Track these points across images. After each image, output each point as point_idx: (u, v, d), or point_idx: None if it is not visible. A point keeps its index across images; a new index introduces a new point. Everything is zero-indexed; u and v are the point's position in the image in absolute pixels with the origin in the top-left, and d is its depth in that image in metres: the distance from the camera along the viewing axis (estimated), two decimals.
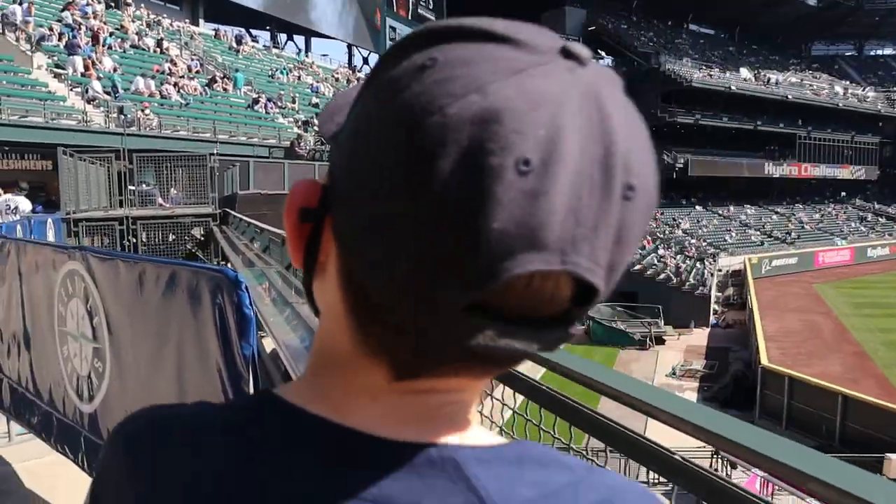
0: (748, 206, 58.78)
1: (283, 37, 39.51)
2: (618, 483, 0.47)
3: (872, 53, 77.20)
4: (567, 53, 0.40)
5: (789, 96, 60.92)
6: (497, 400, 1.84)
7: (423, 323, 0.42)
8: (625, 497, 0.46)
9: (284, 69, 30.70)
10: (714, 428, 1.13)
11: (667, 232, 47.23)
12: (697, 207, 57.46)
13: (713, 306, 31.70)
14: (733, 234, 50.40)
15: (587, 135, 0.38)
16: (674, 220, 51.98)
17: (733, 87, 59.48)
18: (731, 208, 57.76)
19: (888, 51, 75.92)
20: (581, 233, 0.37)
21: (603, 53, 64.81)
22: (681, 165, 55.55)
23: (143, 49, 22.91)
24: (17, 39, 18.28)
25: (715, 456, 10.49)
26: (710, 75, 59.66)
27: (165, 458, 0.48)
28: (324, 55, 40.77)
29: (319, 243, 0.46)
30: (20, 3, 19.11)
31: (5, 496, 4.13)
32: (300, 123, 24.59)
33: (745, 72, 64.95)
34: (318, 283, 0.49)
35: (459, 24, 0.41)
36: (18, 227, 9.53)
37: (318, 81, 32.57)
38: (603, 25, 65.49)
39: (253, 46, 32.38)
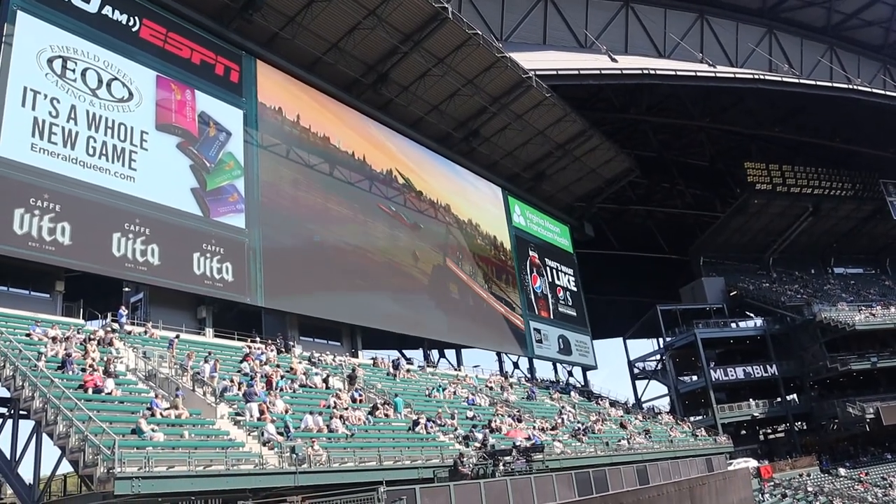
0: None
1: (435, 353, 41.47)
2: None
3: None
4: None
5: None
6: None
7: None
8: None
9: (440, 386, 31.69)
10: None
11: (879, 496, 41.27)
12: None
13: None
14: None
15: None
16: (883, 478, 45.74)
17: None
18: None
19: None
20: None
21: (752, 315, 63.57)
22: (871, 416, 50.82)
23: (311, 387, 24.57)
24: (204, 394, 20.16)
25: None
26: (873, 314, 56.51)
27: None
28: (475, 366, 41.94)
29: None
30: (207, 361, 21.42)
31: None
32: (461, 439, 24.62)
33: None
34: None
35: None
36: None
37: (472, 394, 33.21)
38: (744, 288, 65.36)
39: (408, 370, 33.97)
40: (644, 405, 59.48)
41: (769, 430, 64.24)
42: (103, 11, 26.05)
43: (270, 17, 31.41)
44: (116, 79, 25.66)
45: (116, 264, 23.58)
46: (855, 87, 53.21)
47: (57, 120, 23.10)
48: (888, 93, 54.33)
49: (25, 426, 17.58)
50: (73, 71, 24.22)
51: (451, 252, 42.10)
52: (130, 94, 25.98)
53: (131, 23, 27.00)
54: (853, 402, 52.36)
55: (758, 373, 57.53)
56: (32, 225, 21.51)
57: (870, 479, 45.78)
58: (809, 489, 43.88)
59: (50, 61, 23.60)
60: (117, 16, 26.51)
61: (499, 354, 45.09)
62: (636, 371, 65.08)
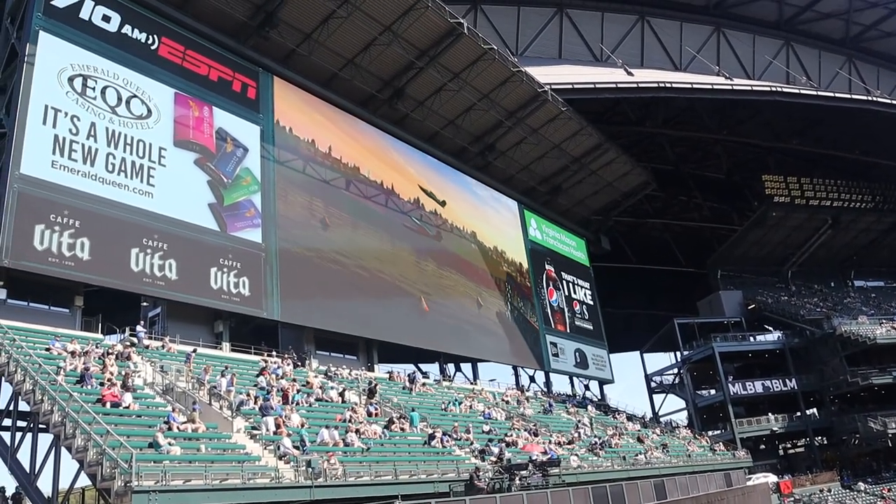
0: None
1: (451, 367, 41.41)
2: None
3: None
4: None
5: None
6: None
7: None
8: None
9: (456, 400, 31.62)
10: None
11: None
12: None
13: None
14: None
15: None
16: None
17: None
18: None
19: None
20: None
21: (770, 328, 62.95)
22: (893, 431, 50.11)
23: (327, 401, 24.63)
24: (221, 408, 20.26)
25: None
26: (895, 328, 55.53)
27: None
28: (491, 380, 41.86)
29: None
30: (224, 376, 21.54)
31: None
32: (477, 453, 24.53)
33: None
34: None
35: None
36: None
37: (489, 407, 33.11)
38: (762, 302, 64.86)
39: (424, 383, 33.93)
40: (661, 419, 58.97)
41: (789, 445, 63.43)
42: (123, 30, 26.48)
43: (287, 34, 31.76)
44: (135, 96, 26.03)
45: (134, 279, 23.81)
46: (874, 98, 52.82)
47: (77, 137, 23.45)
48: None
49: (44, 440, 17.71)
50: (94, 89, 24.60)
51: (469, 271, 42.08)
52: (149, 111, 26.34)
53: (150, 41, 27.42)
54: (874, 416, 51.64)
55: (777, 387, 56.91)
56: (52, 241, 21.79)
57: (892, 495, 45.03)
58: None
59: (71, 80, 23.99)
60: (136, 34, 26.94)
61: (515, 368, 44.93)
62: (653, 385, 64.58)
